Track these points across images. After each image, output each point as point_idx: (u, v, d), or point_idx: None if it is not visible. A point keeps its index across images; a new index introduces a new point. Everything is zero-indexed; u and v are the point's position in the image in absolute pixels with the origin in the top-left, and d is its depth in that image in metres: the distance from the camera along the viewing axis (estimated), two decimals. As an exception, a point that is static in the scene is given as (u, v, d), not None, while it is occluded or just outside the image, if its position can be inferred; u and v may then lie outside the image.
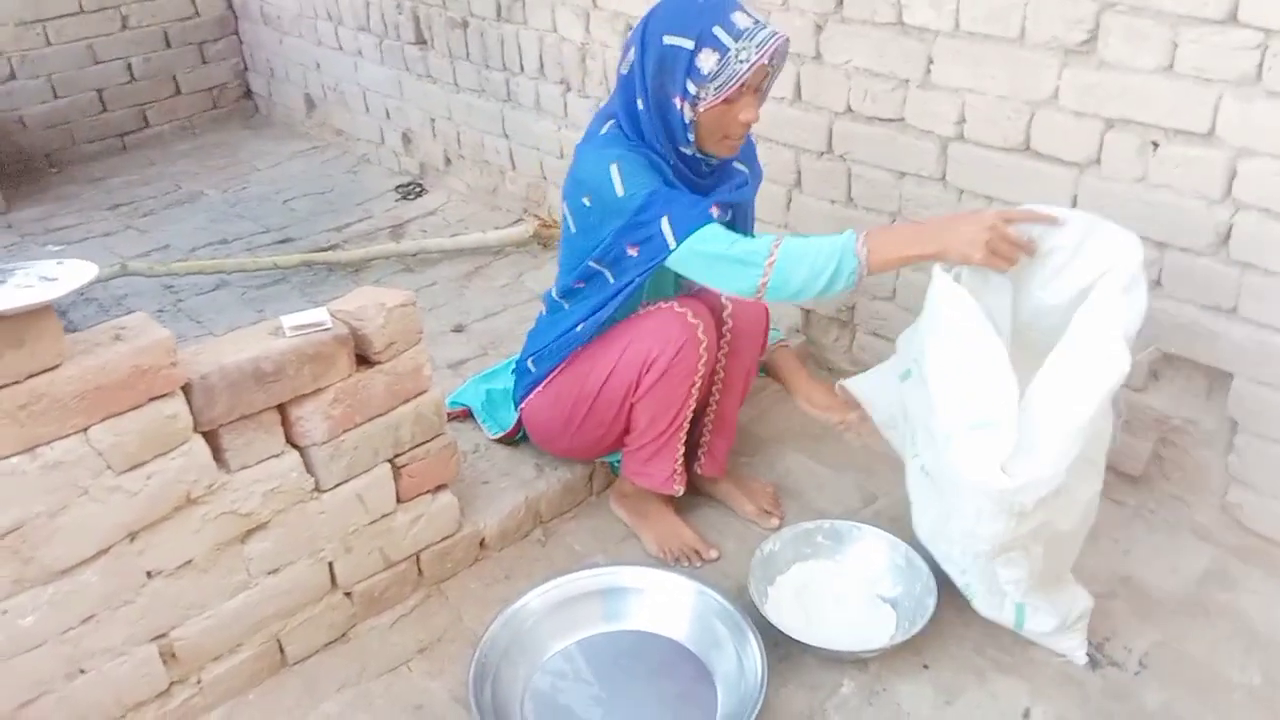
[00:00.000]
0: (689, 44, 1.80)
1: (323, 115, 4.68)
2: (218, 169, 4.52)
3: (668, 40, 1.82)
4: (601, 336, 2.05)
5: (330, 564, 1.95)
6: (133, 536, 1.65)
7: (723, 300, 2.06)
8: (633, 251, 1.90)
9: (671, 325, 1.97)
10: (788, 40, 1.83)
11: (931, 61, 2.23)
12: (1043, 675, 1.88)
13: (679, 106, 1.85)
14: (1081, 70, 2.01)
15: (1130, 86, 1.95)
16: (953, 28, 2.17)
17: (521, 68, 3.40)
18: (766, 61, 1.79)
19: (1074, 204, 2.11)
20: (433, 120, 3.96)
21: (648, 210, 1.85)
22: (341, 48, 4.28)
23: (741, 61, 1.78)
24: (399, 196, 4.10)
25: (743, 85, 1.81)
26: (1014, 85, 2.11)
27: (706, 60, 1.80)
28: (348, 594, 2.00)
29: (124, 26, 4.64)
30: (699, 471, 2.25)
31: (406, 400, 1.96)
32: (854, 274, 1.76)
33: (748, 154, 2.11)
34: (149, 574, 1.69)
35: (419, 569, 2.11)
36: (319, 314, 1.82)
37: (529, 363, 2.20)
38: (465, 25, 3.54)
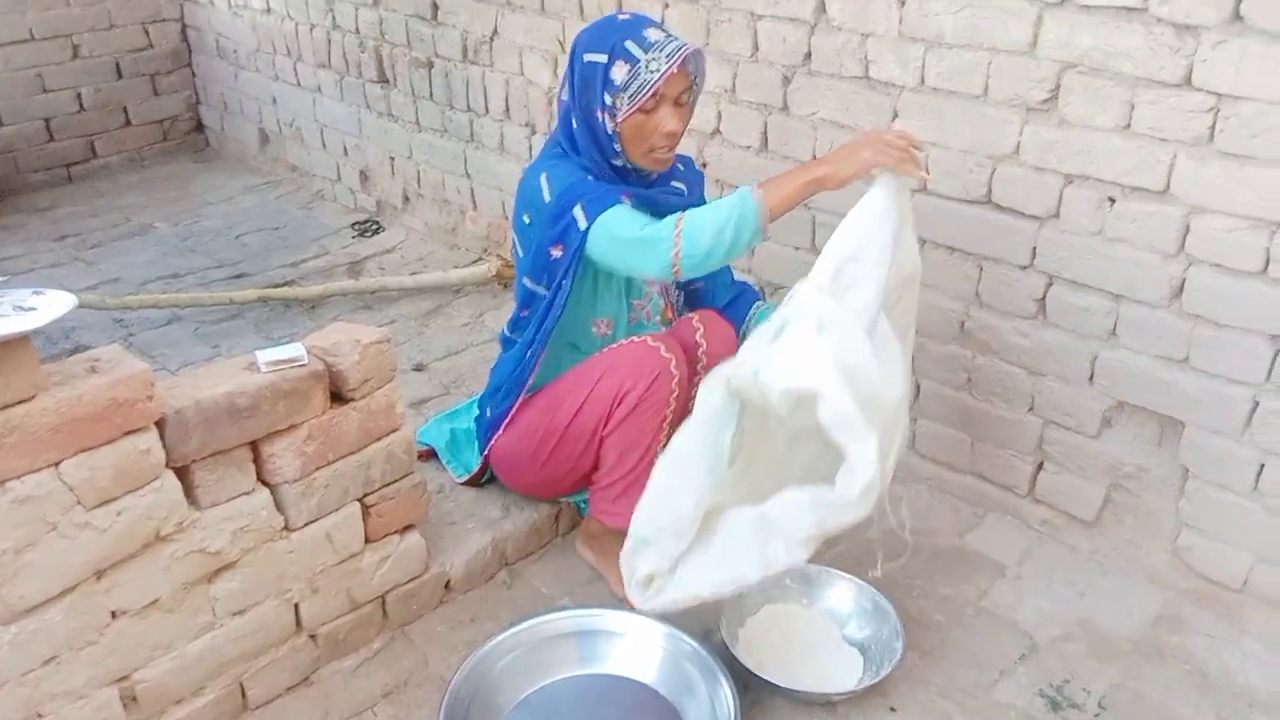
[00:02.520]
0: (603, 58, 1.93)
1: (276, 150, 4.65)
2: (168, 202, 4.46)
3: (587, 58, 1.96)
4: (572, 369, 2.06)
5: (296, 605, 1.91)
6: (100, 574, 1.61)
7: (696, 338, 2.08)
8: (556, 252, 1.98)
9: (645, 358, 1.99)
10: (700, 52, 1.95)
11: (896, 115, 2.30)
12: (1006, 718, 1.91)
13: (601, 118, 1.96)
14: (1042, 127, 2.09)
15: (1089, 144, 2.03)
16: (918, 83, 2.24)
17: (486, 109, 3.43)
18: (677, 70, 1.90)
19: (1033, 256, 2.18)
20: (392, 158, 3.96)
21: (564, 199, 1.94)
22: (300, 83, 4.27)
23: (652, 71, 1.89)
24: (355, 234, 4.08)
25: (657, 94, 1.91)
26: (976, 139, 2.19)
27: (619, 72, 1.91)
28: (312, 636, 1.97)
29: (75, 56, 4.58)
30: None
31: (378, 438, 1.94)
32: (756, 217, 1.84)
33: (692, 178, 2.20)
34: (114, 614, 1.65)
35: (384, 611, 2.08)
36: (295, 349, 1.81)
37: (488, 408, 2.22)
38: (430, 66, 3.56)
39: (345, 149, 4.19)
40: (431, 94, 3.62)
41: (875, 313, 1.72)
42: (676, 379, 1.99)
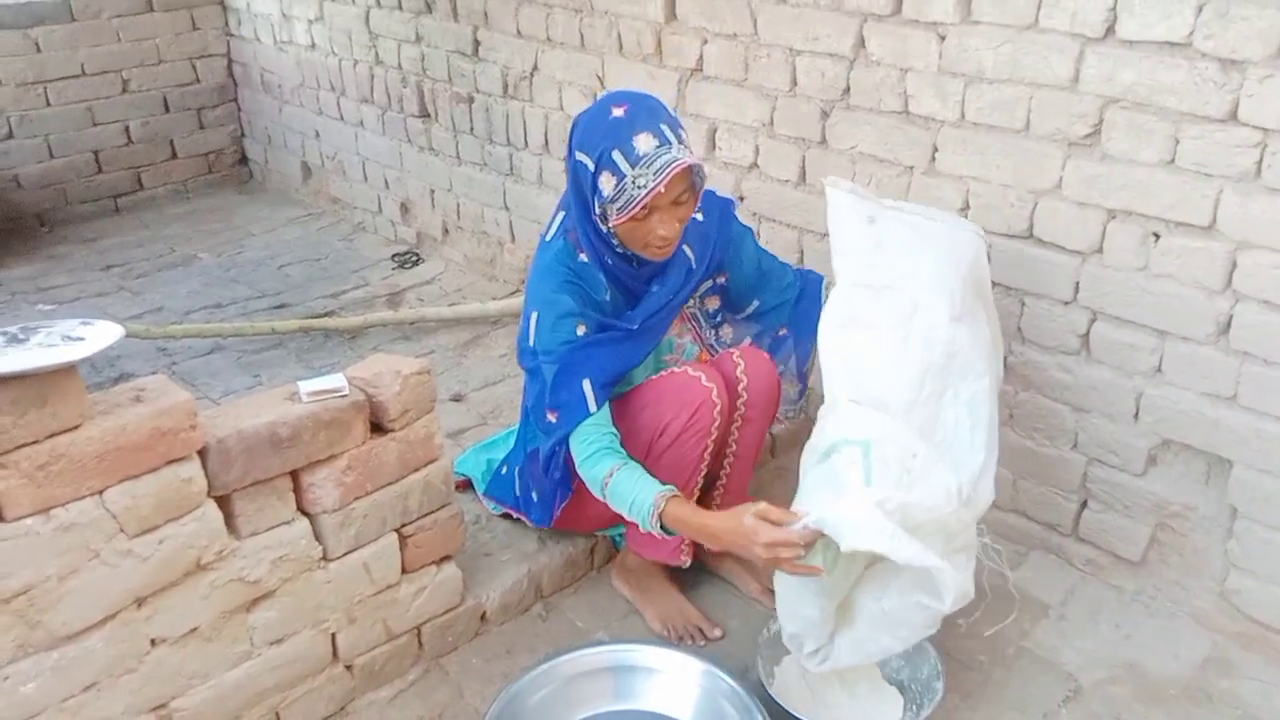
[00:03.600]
0: (591, 165, 1.85)
1: (319, 183, 4.72)
2: (212, 233, 4.54)
3: (578, 155, 1.89)
4: (617, 399, 2.06)
5: (333, 635, 1.92)
6: (140, 602, 1.62)
7: (738, 374, 2.07)
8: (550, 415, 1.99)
9: (687, 387, 1.98)
10: (693, 167, 1.83)
11: (936, 149, 2.30)
12: (1051, 761, 1.87)
13: (595, 215, 1.92)
14: (1085, 162, 2.07)
15: (1133, 179, 2.01)
16: (958, 118, 2.24)
17: (526, 143, 3.46)
18: (663, 190, 1.80)
19: (1076, 291, 2.15)
20: (432, 191, 4.01)
21: (544, 384, 1.96)
22: (343, 118, 4.34)
23: (639, 188, 1.80)
24: (395, 265, 4.12)
25: (647, 207, 1.83)
26: (1018, 174, 2.18)
27: (606, 183, 1.84)
28: (348, 666, 1.97)
29: (124, 90, 4.69)
30: (707, 547, 2.24)
31: (417, 469, 1.95)
32: (648, 524, 1.89)
33: (708, 225, 2.12)
34: (153, 641, 1.66)
35: (420, 642, 2.08)
36: (336, 380, 1.82)
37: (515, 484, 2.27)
38: (471, 101, 3.61)
39: (386, 182, 4.24)
40: (472, 128, 3.67)
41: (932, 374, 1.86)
42: (718, 408, 1.98)
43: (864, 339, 1.88)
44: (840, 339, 1.89)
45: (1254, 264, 1.90)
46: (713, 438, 2.00)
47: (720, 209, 2.16)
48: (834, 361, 1.88)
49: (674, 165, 1.79)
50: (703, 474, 2.06)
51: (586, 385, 1.94)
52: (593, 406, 1.94)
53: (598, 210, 1.89)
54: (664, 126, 1.84)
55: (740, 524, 1.76)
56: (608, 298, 2.01)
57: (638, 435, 2.00)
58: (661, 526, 1.88)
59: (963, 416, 1.86)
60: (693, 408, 1.96)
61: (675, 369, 2.03)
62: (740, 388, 2.07)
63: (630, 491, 1.89)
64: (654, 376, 2.05)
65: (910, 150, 2.35)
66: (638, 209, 1.82)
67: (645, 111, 1.85)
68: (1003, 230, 2.23)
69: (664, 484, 1.90)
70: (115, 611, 1.59)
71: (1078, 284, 2.15)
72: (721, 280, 2.19)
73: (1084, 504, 2.30)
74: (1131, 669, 2.07)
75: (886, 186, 2.41)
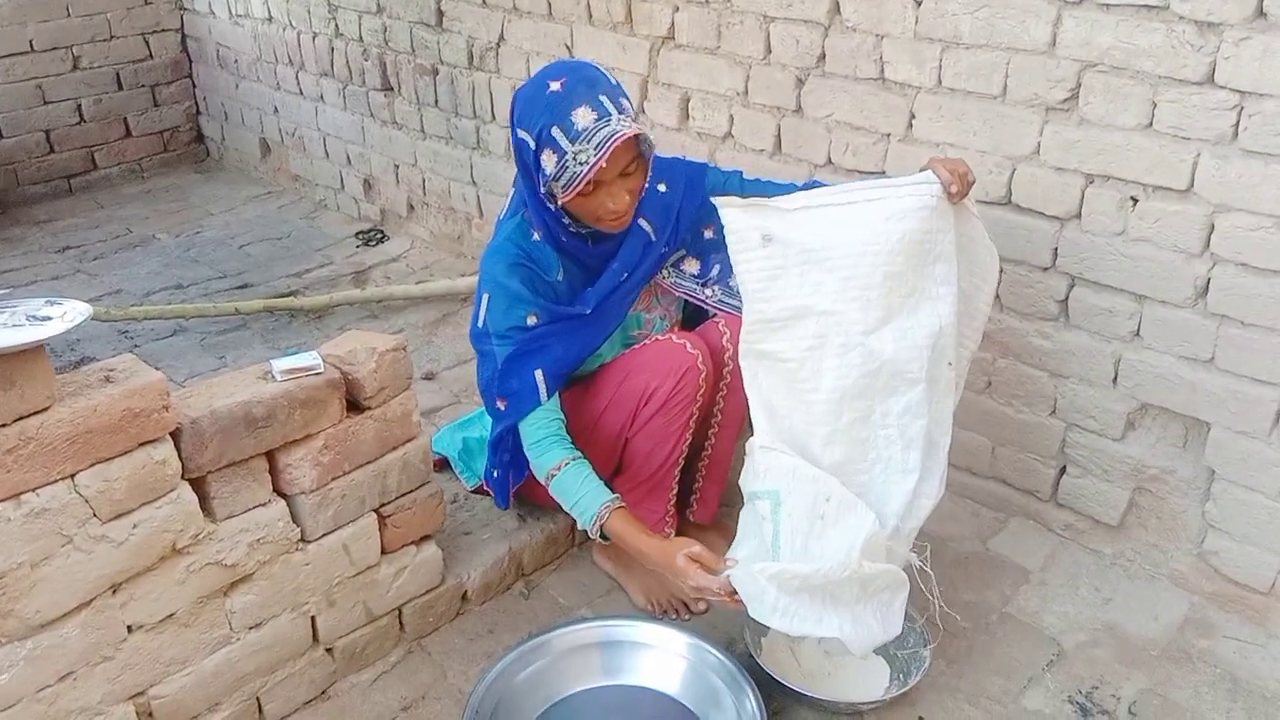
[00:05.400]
0: (532, 142, 1.81)
1: (278, 160, 4.63)
2: (169, 213, 4.44)
3: (519, 133, 1.85)
4: (592, 375, 2.03)
5: (313, 618, 1.88)
6: (115, 589, 1.58)
7: (723, 342, 2.04)
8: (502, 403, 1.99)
9: (672, 354, 1.96)
10: (637, 136, 1.78)
11: (914, 116, 2.28)
12: (1036, 724, 1.88)
13: (542, 195, 1.88)
14: (1063, 127, 2.06)
15: (1110, 143, 2.01)
16: (934, 84, 2.22)
17: (493, 115, 3.40)
18: (605, 165, 1.76)
19: (1055, 257, 2.15)
20: (396, 166, 3.94)
21: (494, 367, 1.96)
22: (302, 93, 4.25)
23: (581, 164, 1.75)
24: (360, 243, 4.05)
25: (591, 182, 1.79)
26: (996, 140, 2.17)
27: (548, 161, 1.80)
28: (329, 650, 1.93)
29: (75, 67, 4.56)
30: (690, 518, 2.23)
31: (395, 447, 1.91)
32: (587, 527, 1.95)
33: (671, 194, 2.05)
34: (130, 628, 1.62)
35: (401, 624, 2.05)
36: (310, 358, 1.78)
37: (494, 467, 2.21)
38: (435, 73, 3.54)
39: (348, 158, 4.17)
40: (437, 101, 3.60)
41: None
42: (704, 374, 1.95)
43: (775, 377, 1.82)
44: (753, 380, 1.85)
45: (1231, 226, 1.91)
46: (698, 405, 1.98)
47: (688, 177, 2.08)
48: (753, 403, 1.84)
49: (614, 138, 1.74)
50: (687, 442, 2.04)
51: (539, 375, 1.93)
52: (544, 397, 1.94)
53: (543, 189, 1.85)
54: (603, 98, 1.78)
55: (673, 560, 1.83)
56: (560, 278, 1.98)
57: (622, 405, 1.98)
58: (601, 534, 1.94)
59: (894, 436, 1.80)
60: (679, 374, 1.94)
61: (659, 337, 2.00)
62: (725, 355, 2.05)
63: (576, 491, 1.94)
64: (635, 347, 2.02)
65: (887, 118, 2.33)
66: (582, 185, 1.78)
67: (583, 84, 1.79)
68: (981, 197, 2.21)
69: (612, 492, 1.94)
70: (90, 598, 1.55)
71: (1056, 250, 2.15)
72: (709, 235, 2.10)
73: (1063, 469, 2.31)
74: (1112, 631, 2.08)
75: (863, 155, 2.39)
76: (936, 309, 1.81)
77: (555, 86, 1.79)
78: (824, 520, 1.74)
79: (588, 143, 1.75)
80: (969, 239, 1.89)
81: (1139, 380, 2.12)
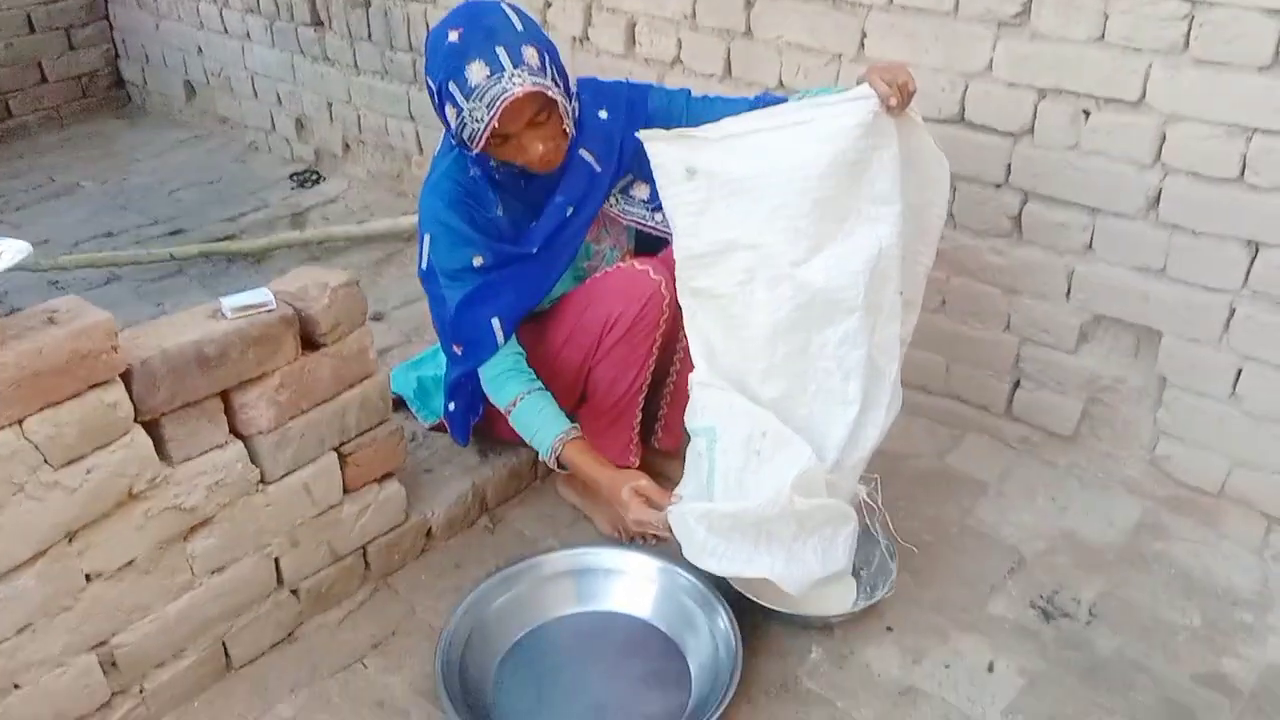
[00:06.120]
0: (435, 94, 1.78)
1: (205, 102, 4.46)
2: (93, 160, 4.26)
3: (428, 80, 1.80)
4: (554, 305, 2.00)
5: (276, 560, 1.85)
6: (71, 536, 1.53)
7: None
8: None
9: (635, 280, 1.93)
10: (530, 93, 1.70)
11: (865, 35, 2.25)
12: (1001, 630, 1.92)
13: (454, 142, 1.84)
14: (1015, 42, 2.05)
15: (1063, 57, 2.00)
16: (886, 2, 2.19)
17: (430, 48, 3.30)
18: (498, 125, 1.70)
19: (1008, 174, 2.16)
20: (330, 104, 3.82)
21: (448, 307, 1.94)
22: (227, 31, 4.08)
23: (478, 121, 1.71)
24: (295, 184, 3.94)
25: (496, 136, 1.74)
26: (948, 58, 2.15)
27: (451, 115, 1.76)
28: (294, 591, 1.91)
29: (-18, 10, 4.33)
30: (656, 445, 2.22)
31: (352, 385, 1.87)
32: (544, 458, 1.98)
33: (613, 122, 1.95)
34: (88, 577, 1.57)
35: (366, 562, 2.02)
36: (262, 294, 1.72)
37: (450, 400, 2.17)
38: (368, 5, 3.42)
39: (279, 97, 4.03)
40: (370, 35, 3.48)
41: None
42: (667, 300, 1.93)
43: (711, 314, 1.81)
44: (691, 319, 1.83)
45: (1182, 136, 1.92)
46: (660, 330, 1.96)
47: (630, 101, 1.98)
48: (692, 341, 1.84)
49: (504, 98, 1.68)
50: (651, 370, 2.02)
51: (496, 323, 1.92)
52: (501, 342, 1.93)
53: (454, 139, 1.81)
54: (499, 50, 1.70)
55: (619, 492, 1.86)
56: (501, 213, 1.94)
57: (585, 332, 1.95)
58: (558, 463, 1.95)
59: (832, 368, 1.77)
60: (643, 300, 1.91)
61: (621, 264, 1.97)
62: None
63: (534, 423, 1.95)
64: (595, 275, 1.99)
65: (838, 37, 2.30)
66: (483, 142, 1.73)
67: (480, 33, 1.71)
68: (934, 115, 2.21)
69: (569, 421, 1.96)
70: (45, 548, 1.49)
71: (1009, 166, 2.15)
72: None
73: (1016, 384, 2.34)
74: (1070, 538, 2.13)
75: (815, 76, 2.36)
76: (875, 231, 1.75)
77: (453, 37, 1.72)
78: (760, 456, 1.73)
79: (479, 100, 1.69)
80: (915, 151, 1.81)
81: (1092, 292, 2.14)
